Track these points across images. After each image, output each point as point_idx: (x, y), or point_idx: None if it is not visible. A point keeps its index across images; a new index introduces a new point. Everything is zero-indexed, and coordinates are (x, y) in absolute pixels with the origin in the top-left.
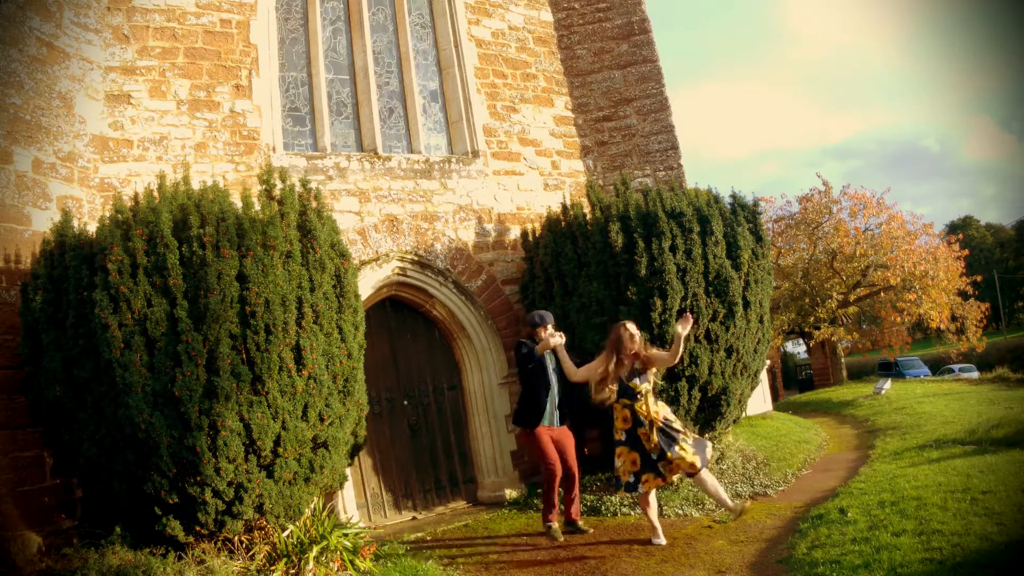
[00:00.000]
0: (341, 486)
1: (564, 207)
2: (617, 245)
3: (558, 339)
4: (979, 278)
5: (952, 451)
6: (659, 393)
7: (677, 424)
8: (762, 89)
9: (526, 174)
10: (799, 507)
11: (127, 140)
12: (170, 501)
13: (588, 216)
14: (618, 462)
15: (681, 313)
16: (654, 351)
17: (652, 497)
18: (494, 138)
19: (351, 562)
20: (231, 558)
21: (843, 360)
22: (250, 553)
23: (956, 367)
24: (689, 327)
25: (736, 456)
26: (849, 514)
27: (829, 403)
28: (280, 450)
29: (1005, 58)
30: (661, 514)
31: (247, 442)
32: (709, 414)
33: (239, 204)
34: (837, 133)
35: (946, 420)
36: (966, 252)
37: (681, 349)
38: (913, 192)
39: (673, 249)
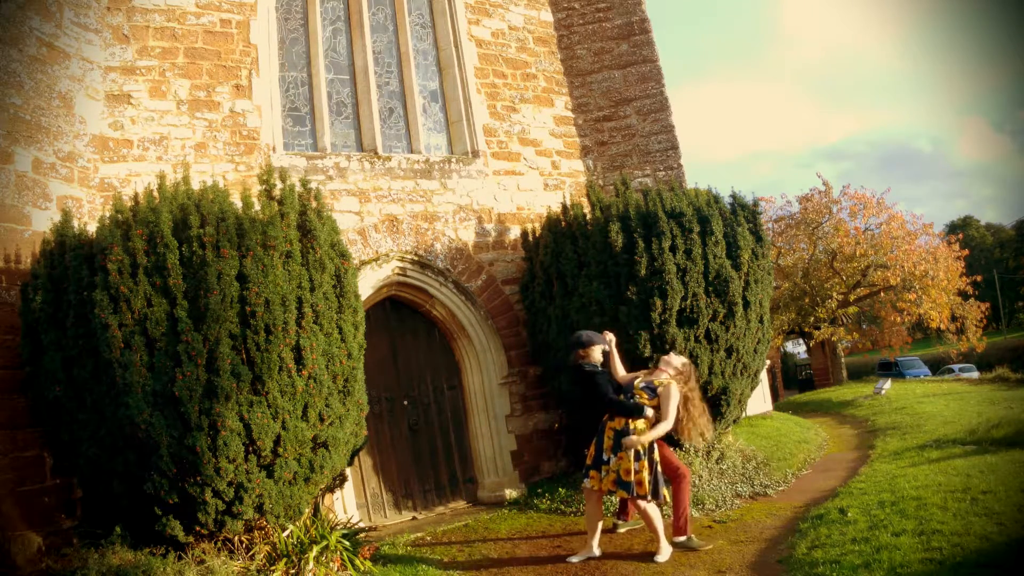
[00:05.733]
0: (341, 486)
1: (564, 207)
2: (617, 245)
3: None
4: (979, 278)
5: (952, 451)
6: None
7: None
8: (755, 90)
9: (526, 174)
10: (799, 507)
11: (127, 140)
12: (170, 501)
13: (588, 216)
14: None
15: (681, 313)
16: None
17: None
18: (494, 138)
19: (351, 562)
20: (231, 558)
21: (843, 360)
22: (250, 553)
23: (956, 367)
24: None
25: (736, 456)
26: (849, 514)
27: (829, 403)
28: (280, 450)
29: (999, 59)
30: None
31: (247, 442)
32: (709, 414)
33: (239, 204)
34: (829, 134)
35: (946, 420)
36: (966, 252)
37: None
38: (907, 194)
39: (673, 249)
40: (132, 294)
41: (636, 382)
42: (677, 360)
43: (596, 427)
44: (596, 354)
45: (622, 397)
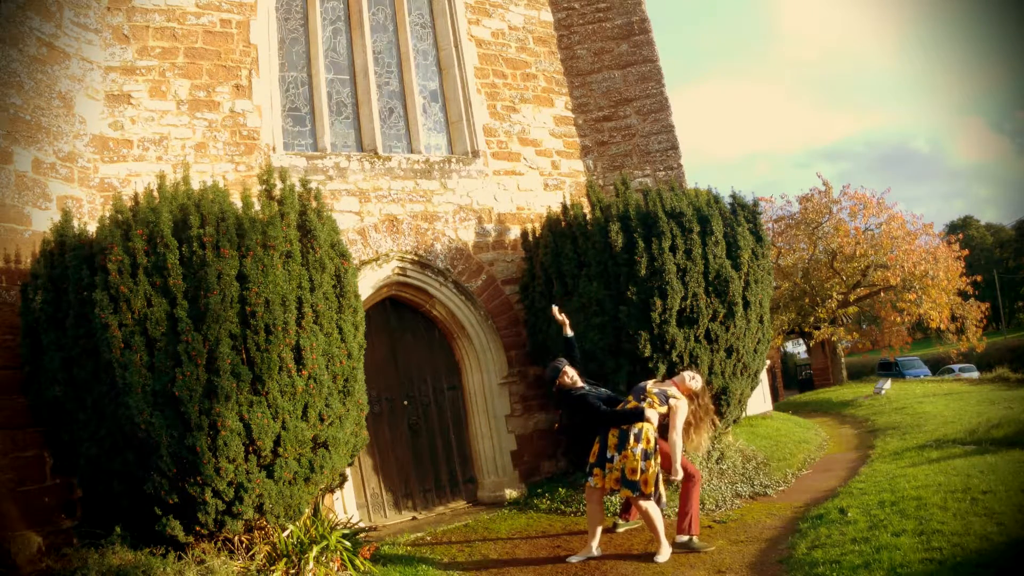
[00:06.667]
0: (341, 486)
1: (564, 207)
2: (617, 245)
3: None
4: (979, 278)
5: (952, 451)
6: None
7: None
8: (754, 90)
9: (526, 174)
10: (799, 507)
11: (127, 140)
12: (170, 501)
13: (588, 216)
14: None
15: (681, 313)
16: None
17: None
18: (494, 138)
19: (351, 562)
20: (231, 558)
21: (843, 360)
22: (250, 553)
23: (956, 367)
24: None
25: (736, 456)
26: (849, 514)
27: (829, 403)
28: (280, 450)
29: (998, 59)
30: (662, 514)
31: (247, 442)
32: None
33: (239, 204)
34: (827, 135)
35: (946, 420)
36: (966, 252)
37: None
38: (906, 194)
39: (673, 249)
40: (132, 294)
41: (648, 387)
42: (696, 383)
43: (596, 428)
44: (568, 376)
45: (630, 399)
